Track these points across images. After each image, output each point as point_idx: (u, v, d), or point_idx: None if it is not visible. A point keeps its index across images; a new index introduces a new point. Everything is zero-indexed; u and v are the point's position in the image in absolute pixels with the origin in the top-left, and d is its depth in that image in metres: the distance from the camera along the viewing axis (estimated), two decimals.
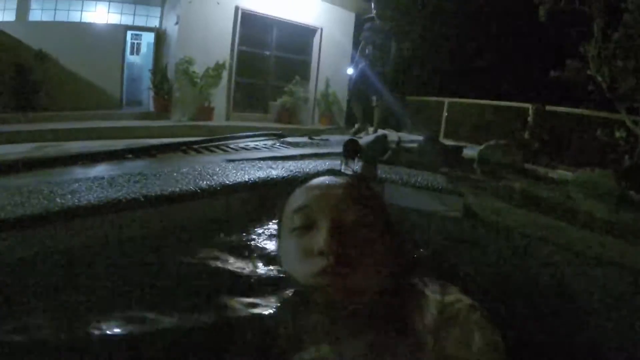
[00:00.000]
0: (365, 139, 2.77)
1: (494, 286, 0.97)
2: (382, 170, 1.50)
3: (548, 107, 6.56)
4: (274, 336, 0.60)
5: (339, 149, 3.04)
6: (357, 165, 1.21)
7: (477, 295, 0.64)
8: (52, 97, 6.47)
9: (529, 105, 6.81)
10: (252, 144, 3.05)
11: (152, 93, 7.08)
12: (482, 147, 3.47)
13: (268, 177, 1.38)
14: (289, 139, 3.32)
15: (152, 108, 7.14)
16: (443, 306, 0.60)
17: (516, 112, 7.20)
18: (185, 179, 1.25)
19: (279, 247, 0.77)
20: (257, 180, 1.33)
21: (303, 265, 0.65)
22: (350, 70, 7.41)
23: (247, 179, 1.32)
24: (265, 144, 3.11)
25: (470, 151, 3.65)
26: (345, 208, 0.68)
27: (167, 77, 6.96)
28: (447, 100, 8.75)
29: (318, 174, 0.81)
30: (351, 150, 1.24)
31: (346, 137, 4.55)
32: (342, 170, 1.22)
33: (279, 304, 0.64)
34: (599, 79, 5.12)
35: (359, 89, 5.28)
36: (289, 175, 1.43)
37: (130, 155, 2.25)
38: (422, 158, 2.93)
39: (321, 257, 0.62)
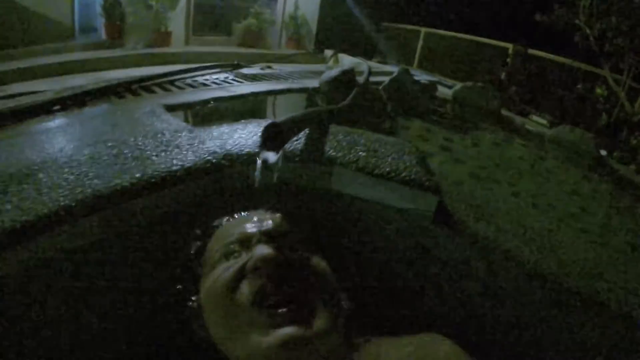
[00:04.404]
0: (328, 73, 2.45)
1: None
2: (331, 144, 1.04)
3: (530, 51, 6.26)
4: None
5: (299, 84, 2.73)
6: (278, 159, 0.81)
7: None
8: None
9: (509, 45, 6.48)
10: (201, 79, 2.69)
11: (103, 19, 6.37)
12: (457, 87, 3.22)
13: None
14: (245, 71, 2.96)
15: (104, 36, 6.46)
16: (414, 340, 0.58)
17: (496, 51, 6.86)
18: None
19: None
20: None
21: (239, 305, 0.58)
22: None
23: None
24: (217, 78, 2.76)
25: (446, 89, 3.41)
26: (275, 225, 0.67)
27: (119, 0, 6.23)
28: (423, 29, 8.35)
29: None
30: (272, 139, 0.81)
31: (314, 67, 4.05)
32: (257, 168, 0.82)
33: None
34: (587, 31, 4.88)
35: None
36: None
37: (57, 107, 1.94)
38: (394, 97, 2.66)
39: (254, 273, 0.58)
